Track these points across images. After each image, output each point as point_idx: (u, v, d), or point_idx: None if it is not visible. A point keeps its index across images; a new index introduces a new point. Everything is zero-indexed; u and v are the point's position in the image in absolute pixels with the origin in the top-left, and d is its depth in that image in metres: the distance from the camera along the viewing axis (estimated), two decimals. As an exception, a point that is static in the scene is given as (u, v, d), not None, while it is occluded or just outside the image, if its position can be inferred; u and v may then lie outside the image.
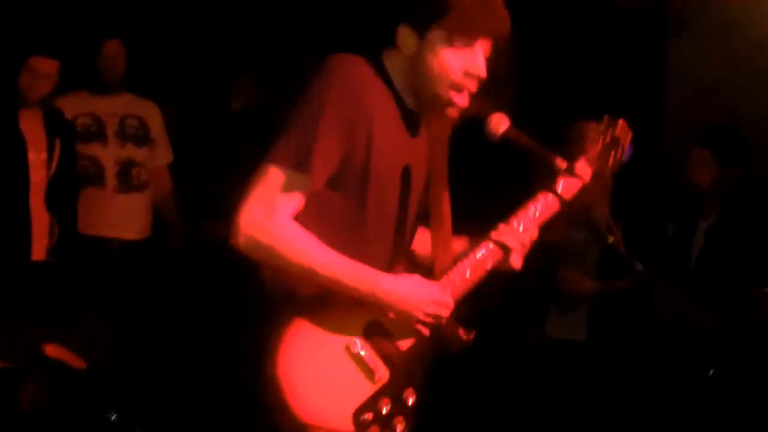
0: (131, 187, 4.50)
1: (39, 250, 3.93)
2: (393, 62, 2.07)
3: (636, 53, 4.90)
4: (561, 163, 2.07)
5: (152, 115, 4.64)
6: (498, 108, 2.12)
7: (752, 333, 3.30)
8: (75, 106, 4.43)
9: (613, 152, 2.25)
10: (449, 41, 2.00)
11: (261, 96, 5.23)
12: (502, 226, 2.17)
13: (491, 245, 2.15)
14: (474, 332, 2.07)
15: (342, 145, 1.96)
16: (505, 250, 2.16)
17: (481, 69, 2.03)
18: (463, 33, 2.00)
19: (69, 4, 4.88)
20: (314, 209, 1.98)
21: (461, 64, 2.01)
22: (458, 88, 2.03)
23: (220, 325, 4.20)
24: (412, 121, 2.11)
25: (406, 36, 2.04)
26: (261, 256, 1.94)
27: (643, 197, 4.02)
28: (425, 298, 2.02)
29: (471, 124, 2.14)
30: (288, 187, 1.93)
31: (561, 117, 4.08)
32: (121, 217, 4.46)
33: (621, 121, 2.23)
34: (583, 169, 2.18)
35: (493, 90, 2.12)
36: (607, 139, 2.26)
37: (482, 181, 4.61)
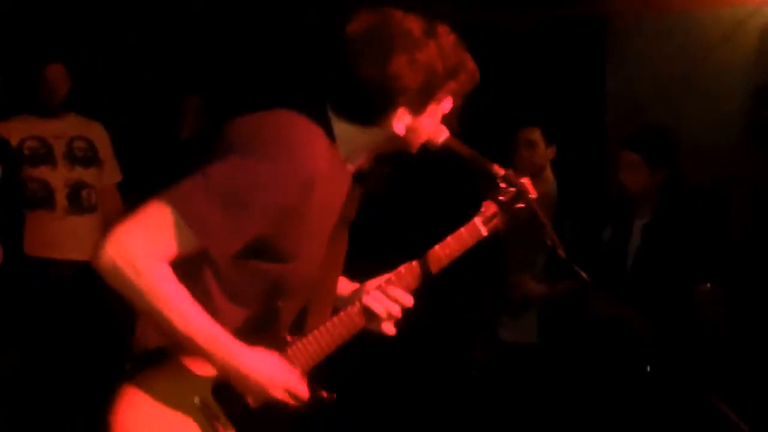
0: (82, 209, 4.48)
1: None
2: (346, 130, 1.92)
3: (578, 62, 5.01)
4: (499, 170, 2.09)
5: (100, 136, 4.63)
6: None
7: (691, 331, 3.38)
8: (22, 130, 4.41)
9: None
10: (441, 106, 1.97)
11: (208, 122, 5.24)
12: (372, 291, 2.07)
13: (358, 307, 2.05)
14: (334, 394, 1.98)
15: (262, 230, 1.81)
16: (372, 315, 2.05)
17: (448, 111, 2.02)
18: (455, 96, 1.97)
19: (12, 27, 4.86)
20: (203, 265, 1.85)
21: (438, 120, 2.00)
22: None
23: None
24: (345, 182, 2.00)
25: (401, 118, 1.91)
26: (118, 284, 1.78)
27: (588, 204, 4.09)
28: (279, 382, 1.87)
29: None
30: (177, 236, 1.76)
31: (505, 127, 4.17)
32: (72, 238, 4.43)
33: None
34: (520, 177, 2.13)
35: None
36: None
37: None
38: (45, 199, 4.39)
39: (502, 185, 2.14)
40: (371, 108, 1.89)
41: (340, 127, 1.92)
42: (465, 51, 1.95)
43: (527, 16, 5.04)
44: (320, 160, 1.83)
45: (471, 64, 1.97)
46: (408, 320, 2.12)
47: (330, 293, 2.08)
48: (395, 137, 1.94)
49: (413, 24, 1.88)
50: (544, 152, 4.04)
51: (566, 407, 3.67)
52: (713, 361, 3.29)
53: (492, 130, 4.14)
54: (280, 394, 1.88)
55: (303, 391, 1.91)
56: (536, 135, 4.03)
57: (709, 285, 3.39)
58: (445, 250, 2.13)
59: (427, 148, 2.08)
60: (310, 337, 2.01)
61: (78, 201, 4.47)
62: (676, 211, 3.53)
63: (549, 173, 4.08)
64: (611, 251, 3.61)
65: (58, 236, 4.40)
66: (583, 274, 2.04)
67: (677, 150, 3.61)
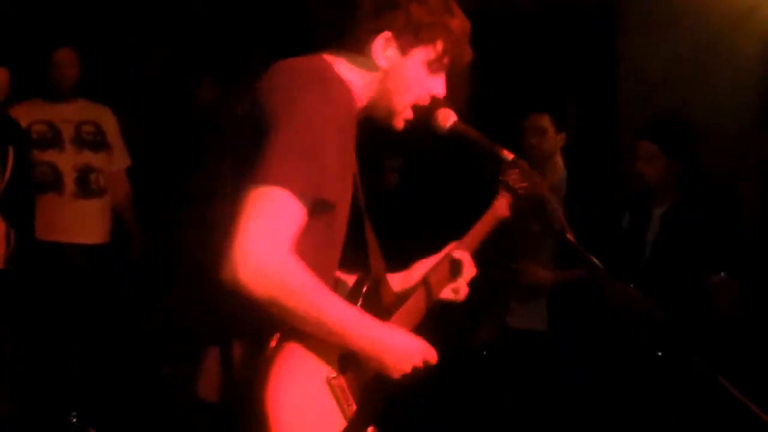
0: (90, 193, 4.49)
1: (-5, 259, 3.93)
2: (347, 68, 1.95)
3: (588, 49, 4.99)
4: (508, 155, 2.09)
5: (107, 121, 4.63)
6: (446, 104, 2.13)
7: (706, 320, 3.37)
8: (30, 114, 4.41)
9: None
10: (429, 64, 1.98)
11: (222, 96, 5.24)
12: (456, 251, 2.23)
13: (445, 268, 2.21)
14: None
15: (343, 169, 1.85)
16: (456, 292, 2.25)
17: (443, 93, 2.03)
18: (450, 61, 1.99)
19: (20, 12, 4.86)
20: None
21: (430, 87, 2.01)
22: (417, 106, 2.03)
23: (179, 332, 4.21)
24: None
25: (385, 47, 1.94)
26: (263, 297, 1.71)
27: (599, 191, 4.08)
28: (418, 351, 1.96)
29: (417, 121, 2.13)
30: (294, 215, 1.73)
31: (516, 114, 4.15)
32: (80, 222, 4.45)
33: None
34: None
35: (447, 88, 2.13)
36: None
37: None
38: (53, 182, 4.40)
39: (512, 170, 2.16)
40: (358, 21, 1.94)
41: (343, 65, 1.94)
42: (450, 13, 1.99)
43: (536, 1, 5.03)
44: (339, 85, 1.88)
45: (456, 30, 1.99)
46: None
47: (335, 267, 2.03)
48: (381, 79, 1.95)
49: None
50: (553, 139, 4.01)
51: (574, 395, 3.67)
52: (726, 350, 3.28)
53: (501, 115, 4.14)
54: (419, 363, 1.96)
55: (435, 357, 2.00)
56: (545, 121, 4.00)
57: (723, 274, 3.38)
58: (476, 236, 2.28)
59: (435, 136, 2.08)
60: (402, 311, 2.10)
61: (86, 185, 4.47)
62: (694, 200, 3.53)
63: (558, 160, 4.05)
64: (629, 240, 3.61)
65: (66, 220, 4.41)
66: (594, 260, 2.03)
67: (695, 140, 3.61)
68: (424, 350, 1.98)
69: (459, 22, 2.00)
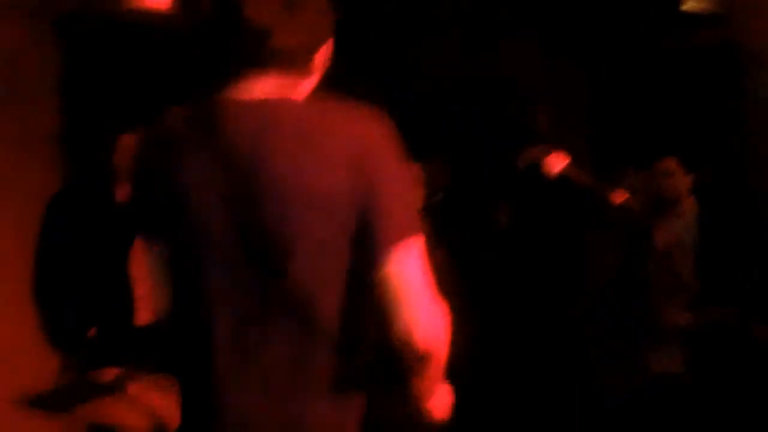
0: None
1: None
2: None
3: (714, 90, 4.95)
4: (618, 197, 2.08)
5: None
6: (559, 148, 2.15)
7: None
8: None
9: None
10: None
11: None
12: None
13: None
14: None
15: None
16: None
17: None
18: None
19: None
20: None
21: None
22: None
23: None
24: None
25: None
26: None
27: (733, 236, 4.03)
28: None
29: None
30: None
31: (645, 157, 4.17)
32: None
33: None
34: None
35: (570, 135, 2.17)
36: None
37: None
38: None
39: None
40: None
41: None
42: None
43: (662, 42, 5.04)
44: None
45: None
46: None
47: None
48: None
49: None
50: (681, 182, 4.03)
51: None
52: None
53: (628, 161, 4.17)
54: None
55: None
56: (672, 165, 4.03)
57: None
58: None
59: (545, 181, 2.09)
60: None
61: None
62: None
63: (690, 202, 4.06)
64: None
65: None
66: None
67: None
68: None
69: None
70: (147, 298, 4.01)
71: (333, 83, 1.61)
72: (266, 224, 1.52)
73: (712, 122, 4.88)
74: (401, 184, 1.56)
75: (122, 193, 2.84)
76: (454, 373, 1.67)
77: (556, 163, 2.10)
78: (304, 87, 1.62)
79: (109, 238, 3.29)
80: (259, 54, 1.56)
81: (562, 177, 2.09)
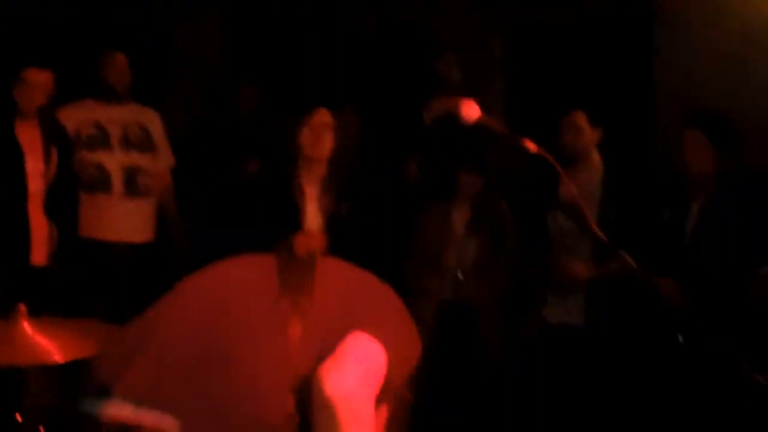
0: (137, 193, 4.61)
1: (39, 256, 4.08)
2: None
3: (625, 44, 4.99)
4: (533, 148, 2.06)
5: (154, 123, 4.75)
6: (470, 97, 2.11)
7: (742, 313, 3.36)
8: (80, 115, 4.55)
9: None
10: None
11: (263, 103, 5.33)
12: None
13: None
14: None
15: None
16: None
17: None
18: None
19: (69, 15, 5.00)
20: None
21: None
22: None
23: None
24: None
25: None
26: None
27: (637, 185, 4.08)
28: None
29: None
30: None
31: (554, 110, 4.19)
32: (127, 221, 4.58)
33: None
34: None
35: (480, 86, 2.14)
36: None
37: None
38: (102, 182, 4.53)
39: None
40: None
41: None
42: None
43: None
44: None
45: None
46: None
47: None
48: None
49: None
50: (588, 136, 4.05)
51: (610, 390, 3.68)
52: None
53: (537, 114, 4.18)
54: None
55: None
56: (580, 118, 4.04)
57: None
58: None
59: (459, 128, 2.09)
60: None
61: (133, 185, 4.59)
62: (735, 194, 3.51)
63: (595, 157, 4.08)
64: (669, 232, 3.61)
65: (113, 219, 4.54)
66: (628, 258, 2.04)
67: (742, 135, 3.60)
68: None
69: None
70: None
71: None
72: None
73: (621, 79, 4.93)
74: None
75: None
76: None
77: (472, 111, 2.05)
78: None
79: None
80: None
81: (478, 126, 2.04)
